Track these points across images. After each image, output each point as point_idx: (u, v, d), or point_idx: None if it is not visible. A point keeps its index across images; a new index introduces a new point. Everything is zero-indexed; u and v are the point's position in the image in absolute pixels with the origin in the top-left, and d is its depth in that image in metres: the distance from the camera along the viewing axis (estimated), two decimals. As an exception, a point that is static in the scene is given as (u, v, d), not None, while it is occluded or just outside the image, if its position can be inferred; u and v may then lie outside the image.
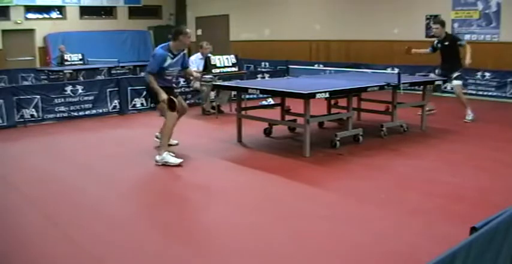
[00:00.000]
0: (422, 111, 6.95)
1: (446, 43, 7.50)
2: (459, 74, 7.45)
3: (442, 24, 7.64)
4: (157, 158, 5.27)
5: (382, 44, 12.20)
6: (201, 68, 8.62)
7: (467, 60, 7.20)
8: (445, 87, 9.37)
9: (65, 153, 6.06)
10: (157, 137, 5.78)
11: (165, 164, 5.20)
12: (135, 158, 5.69)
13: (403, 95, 6.42)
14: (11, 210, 4.06)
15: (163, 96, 5.29)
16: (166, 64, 5.36)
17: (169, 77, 5.55)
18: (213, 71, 8.41)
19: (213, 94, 8.73)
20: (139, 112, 8.77)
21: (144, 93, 5.79)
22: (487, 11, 10.28)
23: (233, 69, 8.71)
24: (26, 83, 11.87)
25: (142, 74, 9.68)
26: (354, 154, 5.68)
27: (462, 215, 3.70)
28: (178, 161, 5.24)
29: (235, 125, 6.40)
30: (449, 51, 7.49)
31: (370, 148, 5.92)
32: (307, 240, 3.38)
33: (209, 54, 8.79)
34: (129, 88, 8.73)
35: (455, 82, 7.46)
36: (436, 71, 8.05)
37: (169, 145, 5.61)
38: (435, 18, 8.49)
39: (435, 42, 7.71)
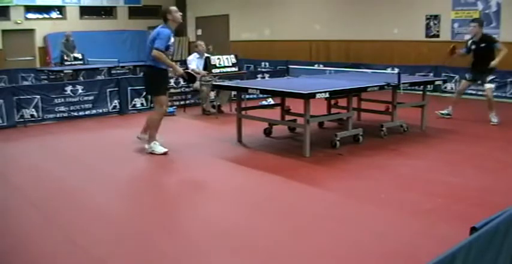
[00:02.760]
0: (422, 111, 6.95)
1: (483, 45, 7.14)
2: (493, 77, 7.20)
3: (481, 23, 7.27)
4: (146, 146, 5.68)
5: (382, 44, 12.20)
6: (201, 68, 8.63)
7: (495, 61, 6.92)
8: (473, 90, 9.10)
9: (65, 153, 6.06)
10: (138, 138, 6.01)
11: (152, 153, 5.59)
12: (135, 158, 5.69)
13: (403, 95, 6.42)
14: (11, 210, 4.06)
15: (179, 69, 5.62)
16: (170, 42, 5.52)
17: (170, 57, 5.68)
18: (213, 71, 8.41)
19: (213, 94, 8.73)
20: (139, 112, 8.76)
21: (144, 89, 5.88)
22: (487, 11, 10.28)
23: (233, 69, 8.71)
24: (26, 83, 11.86)
25: (141, 74, 9.67)
26: (354, 154, 5.68)
27: (462, 215, 3.70)
28: (163, 150, 5.59)
29: (235, 125, 6.40)
30: (484, 54, 7.09)
31: (370, 148, 5.92)
32: (307, 240, 3.38)
33: (208, 54, 8.79)
34: (129, 88, 8.73)
35: (488, 85, 7.16)
36: (467, 75, 7.57)
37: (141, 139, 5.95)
38: (475, 18, 8.05)
39: (469, 42, 7.35)
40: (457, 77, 10.13)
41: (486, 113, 7.20)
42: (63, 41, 13.36)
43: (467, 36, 10.36)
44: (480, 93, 9.99)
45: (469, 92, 9.78)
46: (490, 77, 7.20)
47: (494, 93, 9.79)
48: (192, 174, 5.08)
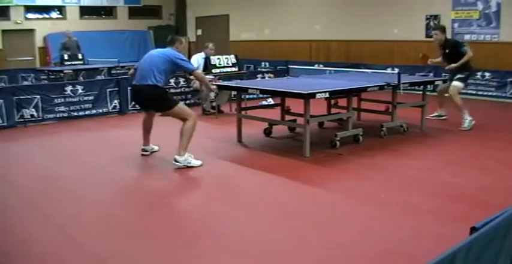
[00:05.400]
0: (422, 112, 6.94)
1: (447, 50, 7.18)
2: (462, 76, 7.07)
3: (442, 30, 7.30)
4: (178, 158, 5.15)
5: (382, 44, 12.20)
6: (201, 68, 8.62)
7: (454, 65, 6.96)
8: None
9: (65, 153, 6.06)
10: (144, 151, 5.78)
11: (188, 166, 5.15)
12: (135, 157, 5.69)
13: (403, 95, 6.42)
14: (10, 210, 4.05)
15: (212, 86, 5.84)
16: None
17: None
18: (213, 71, 8.41)
19: (213, 94, 8.72)
20: (139, 112, 8.70)
21: (155, 109, 5.45)
22: (487, 11, 10.28)
23: (233, 69, 8.71)
24: (26, 83, 11.85)
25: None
26: (354, 154, 5.68)
27: (462, 215, 3.70)
28: (199, 162, 5.24)
29: (235, 125, 6.40)
30: (451, 58, 7.13)
31: (370, 148, 5.92)
32: (307, 240, 3.38)
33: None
34: (129, 88, 8.72)
35: (454, 82, 7.06)
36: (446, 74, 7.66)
37: (149, 151, 5.79)
38: (435, 25, 8.08)
39: (440, 47, 7.35)
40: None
41: (482, 113, 7.08)
42: (66, 40, 13.36)
43: (467, 36, 10.45)
44: (480, 93, 10.04)
45: (469, 92, 9.81)
46: (459, 75, 7.05)
47: (495, 93, 9.86)
48: (192, 174, 5.08)
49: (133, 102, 8.79)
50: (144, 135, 5.76)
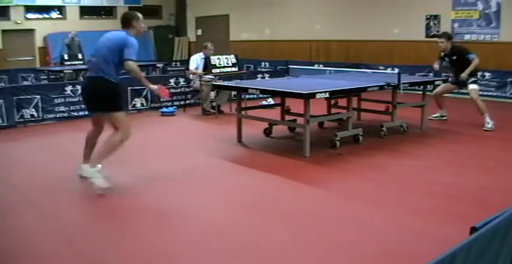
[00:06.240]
0: (422, 112, 6.94)
1: (454, 57, 7.18)
2: (474, 79, 7.11)
3: (448, 37, 7.28)
4: (85, 168, 4.51)
5: (382, 44, 12.21)
6: (201, 68, 8.63)
7: (464, 73, 6.96)
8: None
9: (65, 153, 6.05)
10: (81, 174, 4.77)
11: (92, 181, 4.39)
12: (134, 157, 5.68)
13: (403, 95, 6.42)
14: (10, 210, 4.05)
15: (152, 86, 4.71)
16: None
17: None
18: (213, 71, 8.41)
19: (213, 94, 8.73)
20: (139, 112, 8.76)
21: (97, 107, 4.58)
22: (487, 11, 10.28)
23: (233, 69, 8.72)
24: (26, 83, 11.86)
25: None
26: (354, 154, 5.68)
27: (462, 215, 3.70)
28: (105, 184, 4.38)
29: (235, 125, 6.40)
30: (459, 65, 7.13)
31: (370, 148, 5.92)
32: (307, 240, 3.38)
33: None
34: (129, 88, 8.73)
35: (471, 86, 7.06)
36: (450, 79, 7.62)
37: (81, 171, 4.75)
38: (440, 33, 8.04)
39: (442, 54, 7.37)
40: (450, 79, 10.13)
41: (476, 112, 7.10)
42: (68, 41, 13.37)
43: (467, 36, 10.45)
44: (480, 93, 9.99)
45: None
46: (472, 79, 7.09)
47: (494, 93, 9.87)
48: (192, 174, 5.08)
49: (133, 102, 8.81)
50: (85, 151, 4.83)
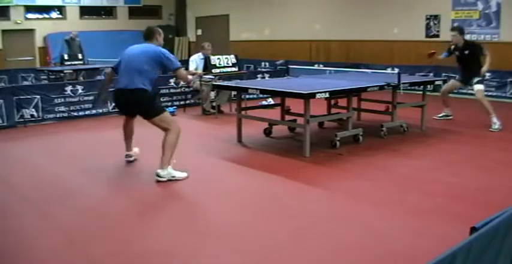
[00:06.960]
0: (422, 111, 6.94)
1: (467, 52, 7.09)
2: (480, 78, 7.05)
3: (461, 31, 7.22)
4: (160, 172, 4.73)
5: (382, 44, 12.21)
6: (201, 68, 8.63)
7: (485, 67, 6.85)
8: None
9: (65, 154, 6.06)
10: (128, 156, 5.45)
11: (172, 179, 4.74)
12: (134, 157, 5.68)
13: (403, 95, 6.42)
14: (10, 211, 4.05)
15: (190, 77, 5.26)
16: None
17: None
18: (213, 71, 8.41)
19: (213, 94, 8.73)
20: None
21: (141, 114, 4.92)
22: (487, 11, 10.28)
23: (233, 69, 8.71)
24: (26, 83, 11.86)
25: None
26: (354, 154, 5.68)
27: (462, 215, 3.70)
28: (184, 174, 4.81)
29: (235, 125, 6.40)
30: (470, 60, 7.08)
31: (370, 148, 5.92)
32: (307, 240, 3.38)
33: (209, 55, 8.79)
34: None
35: (477, 86, 7.03)
36: (457, 76, 7.56)
37: (129, 158, 5.42)
38: (453, 26, 7.97)
39: (452, 47, 7.30)
40: (457, 77, 10.13)
41: (482, 112, 7.12)
42: (68, 38, 13.37)
43: (467, 37, 10.44)
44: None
45: (470, 92, 9.78)
46: (477, 79, 7.04)
47: (494, 93, 9.86)
48: (192, 174, 5.07)
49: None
50: (126, 141, 5.40)
